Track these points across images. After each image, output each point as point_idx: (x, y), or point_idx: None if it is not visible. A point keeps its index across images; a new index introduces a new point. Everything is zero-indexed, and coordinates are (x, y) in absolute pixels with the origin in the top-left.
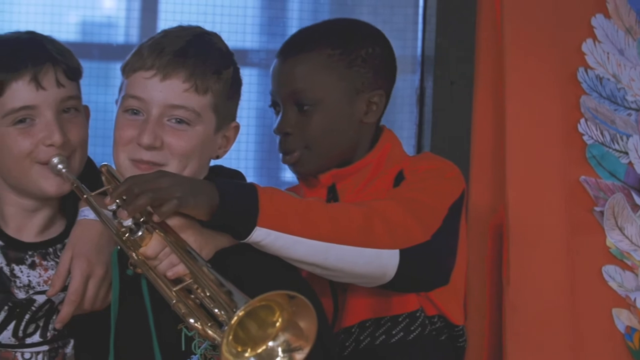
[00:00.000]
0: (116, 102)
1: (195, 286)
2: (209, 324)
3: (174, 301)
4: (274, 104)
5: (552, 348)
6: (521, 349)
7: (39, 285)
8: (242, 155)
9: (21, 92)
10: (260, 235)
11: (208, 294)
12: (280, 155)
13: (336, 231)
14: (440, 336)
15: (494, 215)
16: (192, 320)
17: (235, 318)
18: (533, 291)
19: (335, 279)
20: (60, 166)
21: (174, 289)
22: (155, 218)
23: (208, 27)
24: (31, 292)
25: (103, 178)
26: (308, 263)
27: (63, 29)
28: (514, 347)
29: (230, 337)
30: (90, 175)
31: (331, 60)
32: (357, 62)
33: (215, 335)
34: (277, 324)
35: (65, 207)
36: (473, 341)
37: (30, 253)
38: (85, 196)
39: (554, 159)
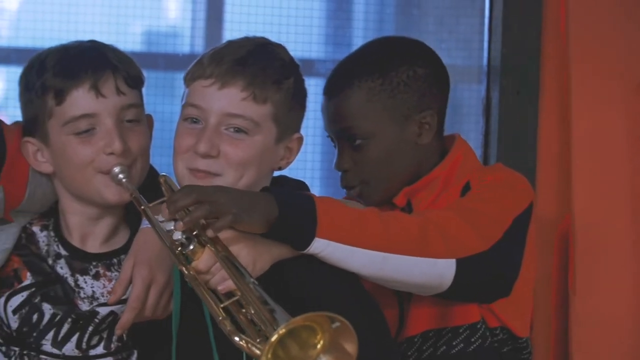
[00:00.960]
0: None
1: (244, 302)
2: (258, 341)
3: (220, 318)
4: (332, 140)
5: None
6: None
7: (103, 297)
8: (308, 166)
9: (81, 100)
10: (319, 247)
11: (253, 311)
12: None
13: (392, 241)
14: (503, 348)
15: (560, 224)
16: (236, 339)
17: (276, 336)
18: (599, 301)
19: (395, 288)
20: (120, 176)
21: (222, 305)
22: (209, 233)
23: (274, 38)
24: (95, 303)
25: (162, 188)
26: (366, 274)
27: (129, 39)
28: (579, 359)
29: (270, 355)
30: (152, 185)
31: (373, 93)
32: (400, 89)
33: (258, 352)
34: (319, 345)
35: (129, 217)
36: (538, 353)
37: (94, 263)
38: (142, 207)
39: (620, 168)
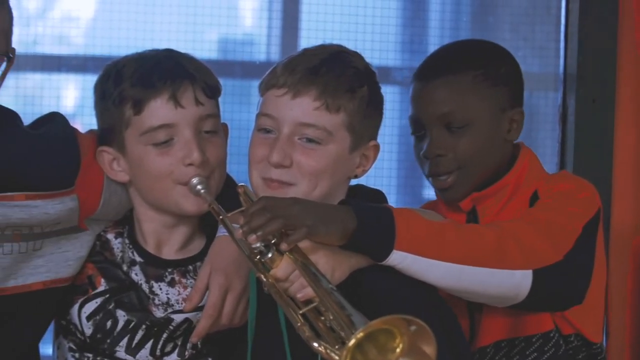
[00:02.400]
0: None
1: (323, 309)
2: (336, 347)
3: (299, 324)
4: (416, 129)
5: None
6: None
7: (178, 304)
8: (384, 174)
9: (160, 110)
10: (397, 259)
11: (331, 317)
12: (429, 179)
13: (469, 253)
14: (578, 355)
15: (636, 233)
16: (315, 345)
17: (354, 339)
18: None
19: (471, 299)
20: (199, 187)
21: (300, 312)
22: (283, 247)
23: (350, 45)
24: (169, 310)
25: (241, 198)
26: (443, 286)
27: (205, 47)
28: None
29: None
30: (230, 194)
31: (476, 81)
32: (501, 81)
33: (337, 358)
34: (397, 349)
35: (205, 224)
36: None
37: (169, 270)
38: (221, 217)
39: None
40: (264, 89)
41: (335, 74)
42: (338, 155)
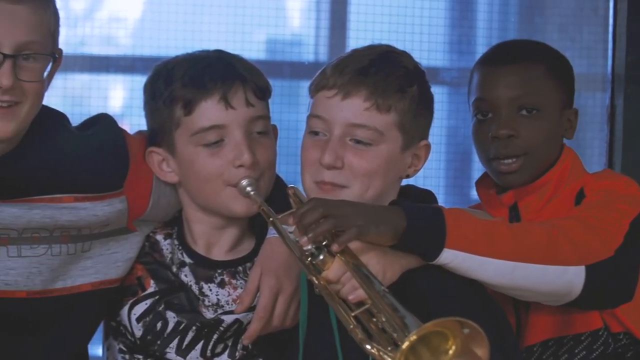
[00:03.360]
0: None
1: (375, 310)
2: (389, 349)
3: (351, 326)
4: (481, 111)
5: None
6: None
7: (228, 305)
8: (433, 174)
9: (210, 111)
10: (448, 257)
11: (384, 319)
12: (492, 163)
13: (521, 250)
14: (627, 353)
15: None
16: (368, 347)
17: (407, 342)
18: None
19: (522, 297)
20: (249, 189)
21: (352, 314)
22: (335, 247)
23: (397, 46)
24: (219, 311)
25: (291, 200)
26: (494, 284)
27: (253, 47)
28: None
29: None
30: (279, 195)
31: (547, 73)
32: (563, 79)
33: None
34: (450, 351)
35: (254, 225)
36: None
37: (219, 271)
38: (271, 219)
39: None
40: (314, 90)
41: (385, 73)
42: (390, 156)
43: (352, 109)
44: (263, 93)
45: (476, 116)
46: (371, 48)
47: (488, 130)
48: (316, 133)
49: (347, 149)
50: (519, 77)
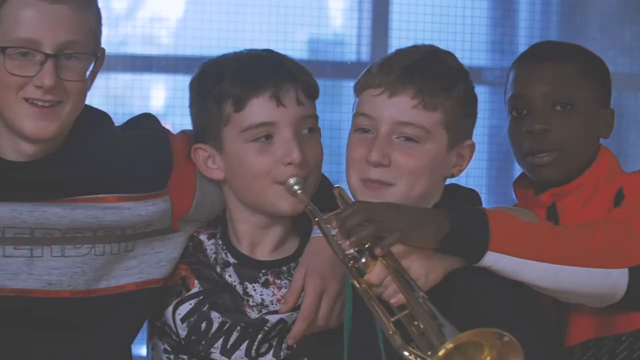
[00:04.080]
0: None
1: (414, 315)
2: (429, 353)
3: (390, 332)
4: (518, 108)
5: None
6: None
7: (272, 304)
8: (475, 173)
9: (261, 108)
10: (492, 260)
11: (422, 325)
12: (526, 159)
13: (565, 253)
14: None
15: None
16: (406, 353)
17: (443, 350)
18: None
19: (566, 300)
20: (296, 187)
21: (392, 319)
22: (377, 251)
23: (440, 45)
24: (264, 311)
25: (337, 200)
26: (539, 286)
27: (296, 47)
28: None
29: None
30: (325, 195)
31: (581, 71)
32: (599, 79)
33: None
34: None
35: (298, 225)
36: None
37: (263, 271)
38: (317, 219)
39: None
40: (359, 89)
41: (432, 72)
42: (436, 154)
43: (399, 107)
44: (312, 92)
45: (511, 113)
46: (416, 48)
47: (523, 127)
48: (363, 131)
49: (394, 147)
50: (553, 73)
